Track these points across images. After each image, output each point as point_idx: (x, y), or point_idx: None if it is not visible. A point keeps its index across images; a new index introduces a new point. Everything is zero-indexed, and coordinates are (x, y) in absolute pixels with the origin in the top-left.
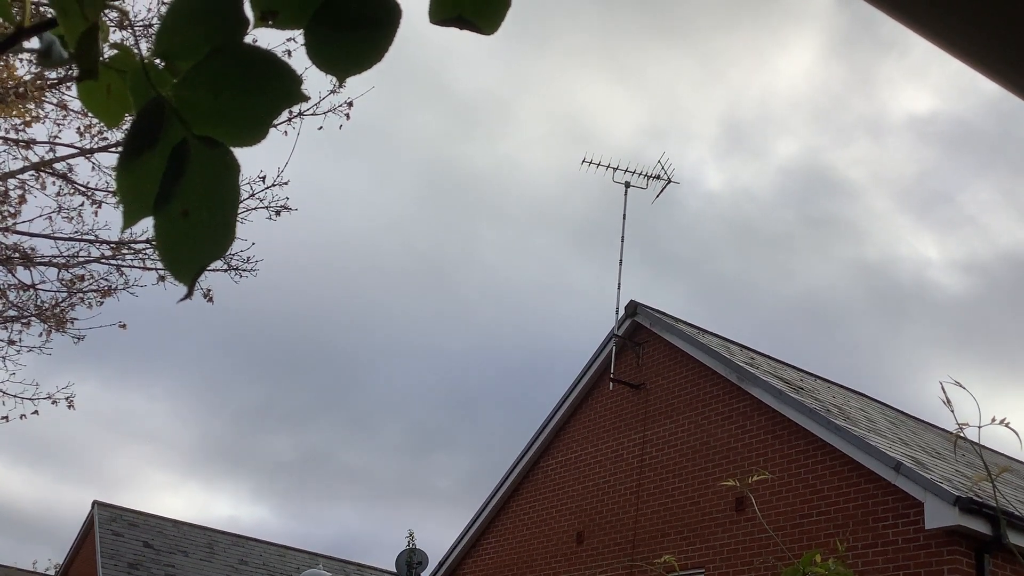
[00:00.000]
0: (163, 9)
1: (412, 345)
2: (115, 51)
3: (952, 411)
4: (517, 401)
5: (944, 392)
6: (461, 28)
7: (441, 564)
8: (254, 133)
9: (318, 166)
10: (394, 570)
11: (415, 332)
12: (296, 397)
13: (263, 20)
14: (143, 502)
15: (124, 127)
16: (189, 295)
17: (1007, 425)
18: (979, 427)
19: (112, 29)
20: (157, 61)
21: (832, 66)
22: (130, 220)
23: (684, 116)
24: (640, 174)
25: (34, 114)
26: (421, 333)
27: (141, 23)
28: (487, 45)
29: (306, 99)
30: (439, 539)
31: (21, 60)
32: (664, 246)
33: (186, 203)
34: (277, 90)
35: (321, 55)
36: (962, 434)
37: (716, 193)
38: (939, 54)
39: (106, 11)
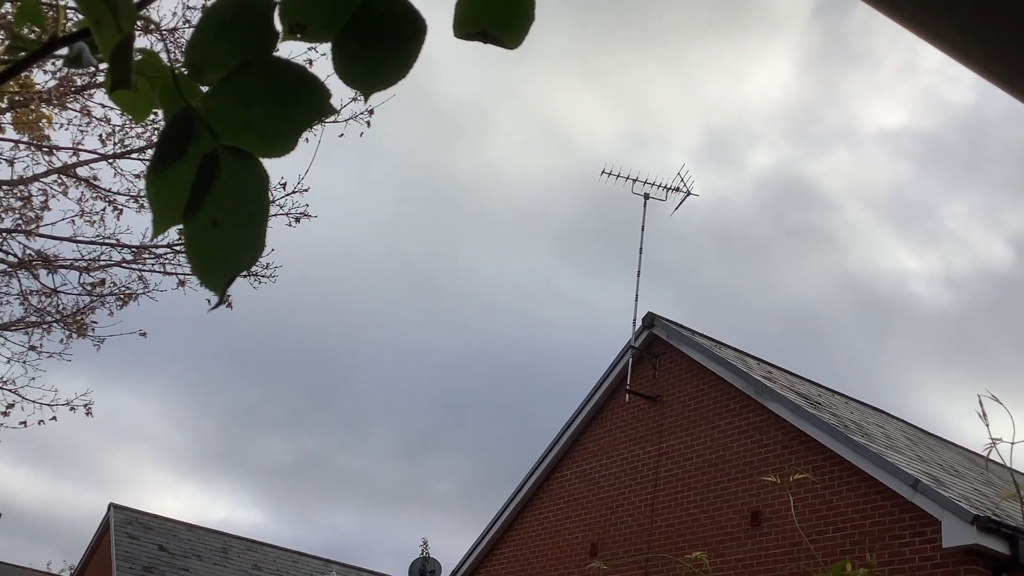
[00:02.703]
0: (189, 15)
1: (401, 349)
2: (141, 56)
3: (987, 426)
4: (506, 404)
5: (981, 406)
6: (485, 42)
7: (454, 573)
8: (283, 145)
9: (305, 172)
10: None
11: (403, 336)
12: (286, 401)
13: (291, 33)
14: (141, 502)
15: (149, 126)
16: (220, 303)
17: None
18: (1012, 443)
19: (137, 33)
20: (185, 71)
21: (805, 78)
22: (160, 227)
23: (663, 124)
24: (660, 186)
25: (47, 131)
26: (409, 337)
27: (166, 28)
28: (468, 52)
29: (335, 112)
30: (439, 544)
31: (46, 71)
32: (649, 255)
33: (215, 212)
34: (306, 103)
35: (348, 70)
36: (993, 451)
37: (697, 202)
38: (909, 69)
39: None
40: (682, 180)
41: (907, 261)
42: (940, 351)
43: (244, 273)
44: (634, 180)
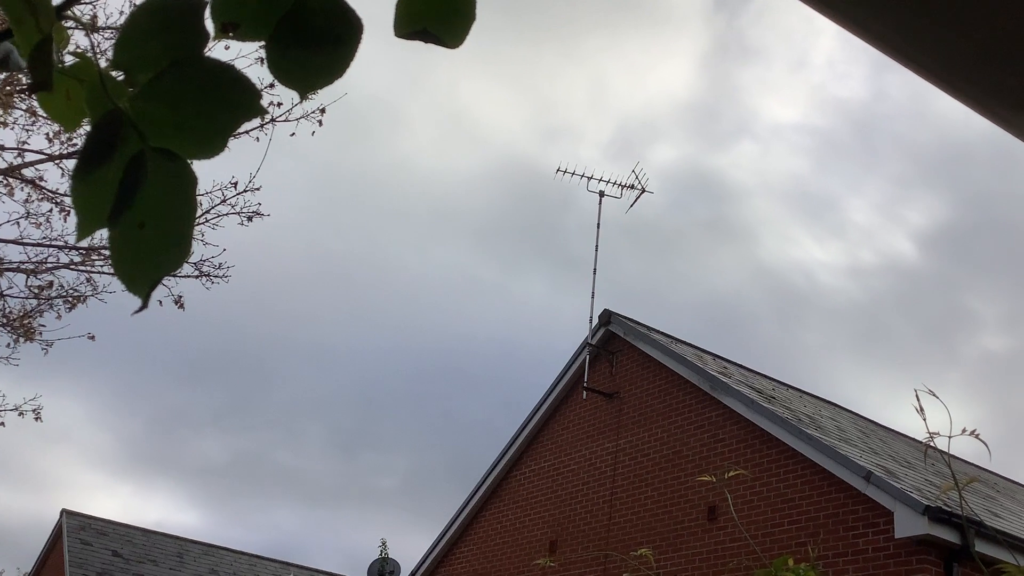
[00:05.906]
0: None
1: (323, 345)
2: (75, 59)
3: (924, 420)
4: (433, 398)
5: (918, 400)
6: (426, 42)
7: (413, 573)
8: (212, 146)
9: (216, 168)
10: None
11: (325, 332)
12: (213, 400)
13: (224, 32)
14: (78, 504)
15: (85, 131)
16: (144, 307)
17: (977, 436)
18: (949, 437)
19: (83, 33)
20: (115, 72)
21: (704, 73)
22: (85, 231)
23: (570, 118)
24: (615, 183)
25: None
26: (331, 333)
27: (110, 28)
28: (375, 47)
29: (265, 113)
30: (388, 542)
31: None
32: (574, 250)
33: (142, 215)
34: (236, 104)
35: (282, 69)
36: (932, 444)
37: (608, 196)
38: (803, 66)
39: (68, 20)
40: (637, 178)
41: (816, 252)
42: (852, 340)
43: (196, 274)
44: (589, 178)
